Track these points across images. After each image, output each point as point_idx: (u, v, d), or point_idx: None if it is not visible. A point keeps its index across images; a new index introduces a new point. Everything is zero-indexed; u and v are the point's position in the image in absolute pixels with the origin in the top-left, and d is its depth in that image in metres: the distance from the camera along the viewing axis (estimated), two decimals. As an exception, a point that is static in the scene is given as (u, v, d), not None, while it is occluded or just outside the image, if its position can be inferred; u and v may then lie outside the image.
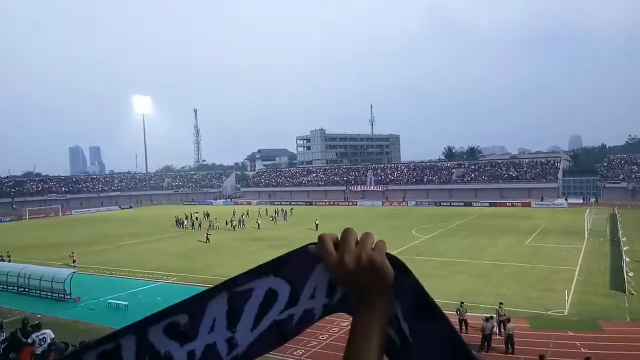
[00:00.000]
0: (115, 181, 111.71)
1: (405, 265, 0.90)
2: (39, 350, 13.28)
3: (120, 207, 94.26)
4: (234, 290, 0.92)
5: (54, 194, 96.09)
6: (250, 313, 0.93)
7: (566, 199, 72.20)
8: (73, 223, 68.45)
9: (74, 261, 34.52)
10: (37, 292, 27.20)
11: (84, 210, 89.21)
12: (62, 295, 26.11)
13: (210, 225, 54.41)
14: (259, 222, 54.73)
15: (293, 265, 0.94)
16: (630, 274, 25.17)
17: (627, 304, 21.86)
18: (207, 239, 44.95)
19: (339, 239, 0.90)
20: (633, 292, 23.25)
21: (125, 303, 24.32)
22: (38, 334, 13.84)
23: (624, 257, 27.87)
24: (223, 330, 0.92)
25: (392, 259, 0.90)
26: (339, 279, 0.91)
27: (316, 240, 0.93)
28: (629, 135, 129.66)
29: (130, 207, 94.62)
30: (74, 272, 27.26)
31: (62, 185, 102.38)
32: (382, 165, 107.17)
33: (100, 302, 25.41)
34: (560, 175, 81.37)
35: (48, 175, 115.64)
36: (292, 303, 0.94)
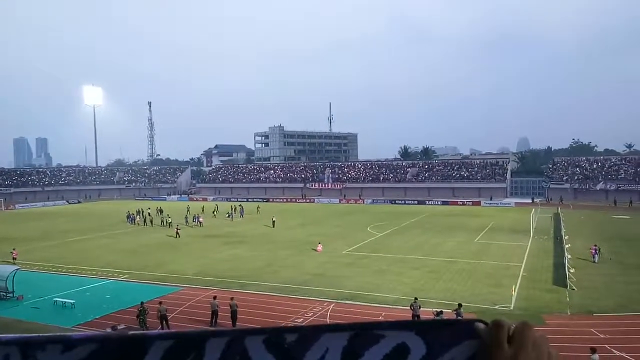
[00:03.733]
0: (63, 175, 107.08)
1: None
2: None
3: (67, 202, 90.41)
4: (361, 330, 0.82)
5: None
6: None
7: (537, 199, 75.16)
8: (17, 218, 65.14)
9: (14, 259, 32.81)
10: (-24, 290, 25.73)
11: (29, 204, 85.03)
12: (4, 294, 24.81)
13: (162, 222, 53.07)
14: (201, 219, 52.42)
15: (442, 332, 0.84)
16: (572, 270, 26.55)
17: (568, 299, 23.05)
18: (177, 233, 44.18)
19: (514, 332, 0.81)
20: (574, 288, 24.53)
21: (72, 301, 23.38)
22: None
23: (566, 254, 29.35)
24: None
25: None
26: None
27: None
28: (573, 139, 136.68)
29: (79, 202, 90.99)
30: (17, 269, 25.95)
31: (5, 179, 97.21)
32: (339, 163, 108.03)
33: (45, 300, 24.34)
34: (508, 175, 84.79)
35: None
36: None
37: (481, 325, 0.83)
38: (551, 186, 78.28)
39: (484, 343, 0.82)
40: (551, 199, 71.80)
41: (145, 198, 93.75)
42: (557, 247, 35.75)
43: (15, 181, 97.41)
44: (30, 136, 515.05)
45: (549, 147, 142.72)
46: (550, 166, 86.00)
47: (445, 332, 0.84)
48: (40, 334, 0.78)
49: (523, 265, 30.19)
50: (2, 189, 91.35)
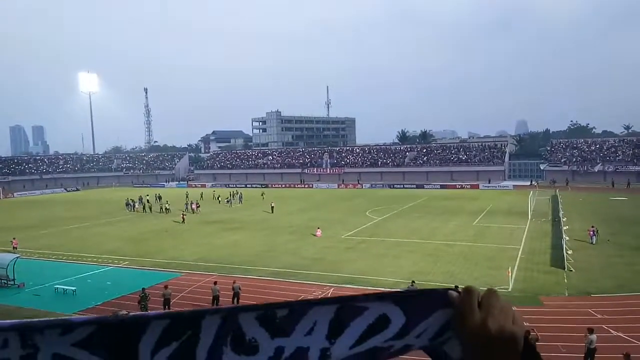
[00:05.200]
0: (61, 162, 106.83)
1: (538, 353, 0.87)
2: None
3: (66, 189, 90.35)
4: (346, 303, 0.88)
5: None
6: (355, 330, 0.88)
7: (535, 182, 75.27)
8: (16, 206, 65.13)
9: (14, 248, 32.88)
10: (-23, 278, 25.83)
11: (27, 192, 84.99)
12: (5, 281, 24.93)
13: (161, 208, 53.15)
14: (193, 207, 51.70)
15: (419, 302, 0.91)
16: (570, 252, 26.70)
17: (566, 280, 23.24)
18: (183, 219, 44.79)
19: (482, 298, 0.88)
20: (572, 269, 24.72)
21: (73, 288, 23.52)
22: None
23: (564, 236, 29.49)
24: (321, 338, 0.87)
25: (525, 340, 0.87)
26: (467, 337, 0.88)
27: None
28: (571, 121, 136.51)
29: (77, 190, 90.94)
30: (17, 257, 26.05)
31: (3, 167, 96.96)
32: (337, 148, 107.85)
33: (46, 287, 24.46)
34: (506, 158, 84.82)
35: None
36: (399, 336, 0.90)
37: (454, 293, 0.90)
38: (549, 168, 78.38)
39: (457, 308, 0.89)
40: (555, 182, 71.19)
41: (144, 185, 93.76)
42: (555, 229, 35.93)
43: (12, 169, 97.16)
44: (26, 124, 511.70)
45: (547, 129, 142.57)
46: (549, 148, 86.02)
47: (421, 302, 0.90)
48: (39, 319, 0.79)
49: (521, 248, 30.38)
50: (0, 177, 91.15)
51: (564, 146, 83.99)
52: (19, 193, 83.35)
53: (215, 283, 21.35)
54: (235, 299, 20.66)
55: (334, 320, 0.87)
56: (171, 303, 20.55)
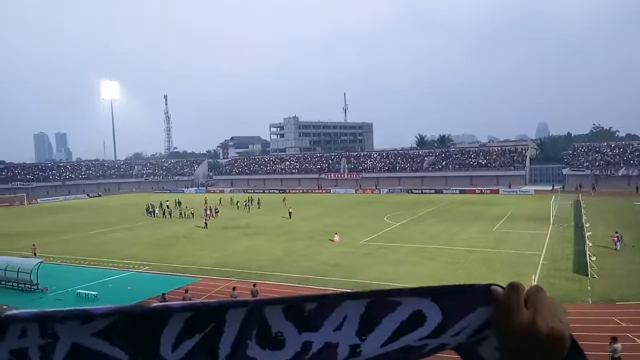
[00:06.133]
0: (83, 169, 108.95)
1: (584, 353, 0.82)
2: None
3: (88, 195, 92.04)
4: (379, 297, 0.83)
5: (18, 182, 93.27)
6: (387, 327, 0.83)
7: (557, 186, 74.10)
8: (39, 212, 66.55)
9: (35, 254, 33.11)
10: (2, 282, 26.46)
11: (50, 198, 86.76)
12: (29, 286, 25.46)
13: (181, 214, 53.78)
14: (208, 212, 51.39)
15: (458, 298, 0.84)
16: (593, 258, 26.15)
17: (589, 287, 22.74)
18: (206, 224, 45.38)
19: (529, 295, 0.82)
20: (595, 276, 24.17)
21: (94, 293, 23.92)
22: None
23: (587, 242, 28.91)
24: (351, 334, 0.82)
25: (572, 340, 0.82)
26: (512, 337, 0.81)
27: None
28: (594, 124, 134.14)
29: (99, 196, 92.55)
30: (41, 262, 26.56)
31: (27, 173, 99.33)
32: (355, 153, 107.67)
33: (68, 292, 24.92)
34: (527, 162, 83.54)
35: (12, 163, 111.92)
36: (435, 334, 0.84)
37: (498, 289, 0.83)
38: (571, 172, 76.94)
39: (502, 306, 0.82)
40: (581, 187, 69.36)
41: (164, 191, 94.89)
42: (577, 234, 35.21)
43: (36, 176, 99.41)
44: (50, 131, 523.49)
45: (568, 132, 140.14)
46: (571, 152, 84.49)
47: (460, 299, 0.84)
48: (60, 309, 0.77)
49: (543, 254, 29.84)
50: (25, 183, 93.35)
51: (586, 150, 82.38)
52: (42, 199, 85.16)
53: (234, 289, 21.46)
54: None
55: (365, 315, 0.82)
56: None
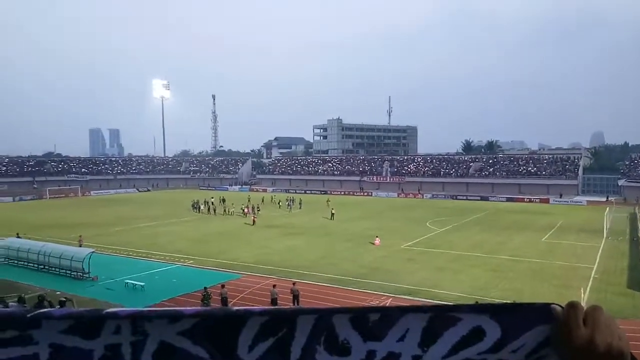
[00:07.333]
0: (134, 164, 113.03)
1: None
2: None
3: (138, 189, 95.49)
4: (440, 312, 0.87)
5: (73, 175, 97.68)
6: (448, 341, 0.86)
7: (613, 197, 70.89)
8: (92, 204, 69.62)
9: (80, 245, 33.25)
10: (57, 270, 27.77)
11: (102, 191, 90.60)
12: (81, 274, 26.64)
13: (225, 211, 54.87)
14: (246, 211, 52.91)
15: (516, 316, 0.87)
16: (649, 274, 24.76)
17: (644, 304, 21.55)
18: (254, 221, 46.50)
19: (588, 314, 0.83)
20: (651, 293, 22.90)
21: (141, 284, 24.73)
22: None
23: (644, 257, 27.43)
24: (413, 346, 0.86)
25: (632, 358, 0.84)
26: (571, 355, 0.82)
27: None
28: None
29: (148, 190, 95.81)
30: (92, 252, 27.73)
31: (81, 167, 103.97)
32: (398, 157, 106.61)
33: (117, 282, 25.85)
34: (580, 172, 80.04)
35: (68, 156, 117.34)
36: (494, 350, 0.87)
37: (558, 308, 0.85)
38: (628, 184, 73.12)
39: (560, 325, 0.83)
40: (639, 199, 65.86)
41: (209, 188, 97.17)
42: (633, 248, 33.45)
43: (90, 169, 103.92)
44: (104, 127, 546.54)
45: (625, 142, 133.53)
46: (627, 163, 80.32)
47: (519, 316, 0.86)
48: (151, 309, 0.86)
49: (595, 267, 28.50)
50: (79, 176, 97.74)
51: (645, 160, 78.12)
52: (95, 192, 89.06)
53: (274, 286, 21.68)
54: (295, 302, 20.93)
55: (427, 328, 0.86)
56: (230, 304, 21.05)
